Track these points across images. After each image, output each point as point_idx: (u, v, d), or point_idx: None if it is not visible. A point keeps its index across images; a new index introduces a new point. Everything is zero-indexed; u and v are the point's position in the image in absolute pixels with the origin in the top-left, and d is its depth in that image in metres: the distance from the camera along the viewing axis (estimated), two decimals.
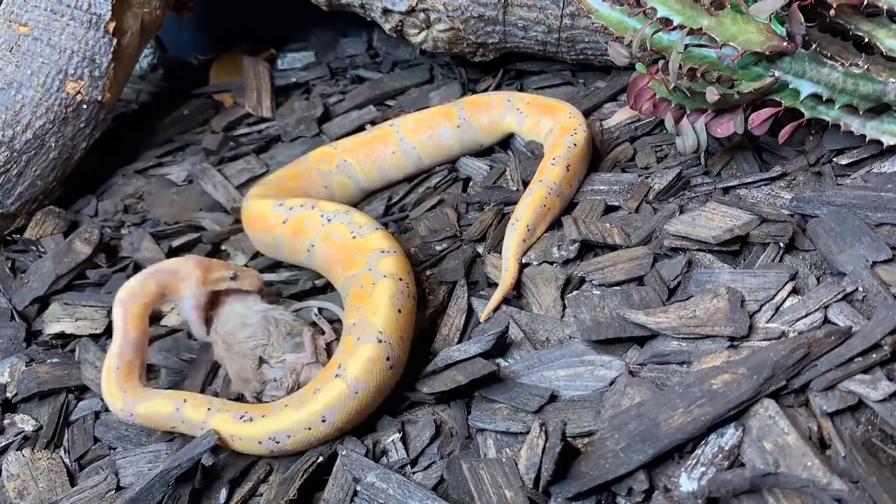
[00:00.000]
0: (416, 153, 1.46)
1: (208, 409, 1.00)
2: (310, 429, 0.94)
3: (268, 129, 1.82)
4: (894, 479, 0.73)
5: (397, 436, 0.96)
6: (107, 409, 1.13)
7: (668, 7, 1.09)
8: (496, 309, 1.08)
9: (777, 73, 1.09)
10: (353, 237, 1.17)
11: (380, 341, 0.98)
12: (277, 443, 0.95)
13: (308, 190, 1.40)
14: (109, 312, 1.30)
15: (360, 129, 1.71)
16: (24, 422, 1.13)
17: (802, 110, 1.11)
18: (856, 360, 0.83)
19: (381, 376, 0.97)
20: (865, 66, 1.04)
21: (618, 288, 1.03)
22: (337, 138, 1.67)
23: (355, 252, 1.14)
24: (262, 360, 1.07)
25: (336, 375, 0.96)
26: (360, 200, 1.48)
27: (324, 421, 0.94)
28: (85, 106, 1.60)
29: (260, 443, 0.95)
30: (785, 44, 1.05)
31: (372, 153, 1.46)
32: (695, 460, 0.78)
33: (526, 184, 1.29)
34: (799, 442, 0.76)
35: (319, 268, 1.26)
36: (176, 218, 1.57)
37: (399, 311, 1.03)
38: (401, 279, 1.07)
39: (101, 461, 1.06)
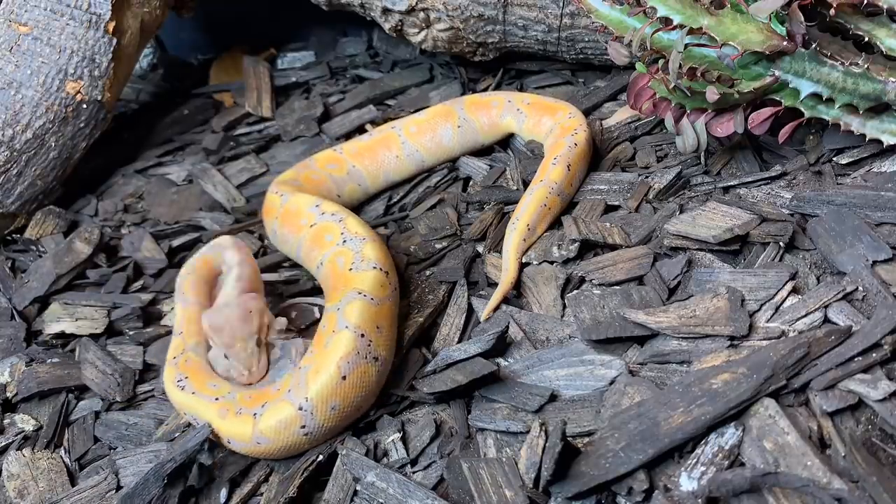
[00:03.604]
0: (420, 156, 1.46)
1: (181, 352, 1.06)
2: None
3: (268, 128, 1.82)
4: (894, 478, 0.73)
5: (397, 435, 0.95)
6: (107, 410, 1.13)
7: (668, 6, 1.09)
8: (496, 308, 1.08)
9: (777, 73, 1.09)
10: (350, 269, 1.08)
11: (300, 408, 0.92)
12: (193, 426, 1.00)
13: (323, 196, 1.35)
14: (110, 312, 1.30)
15: (360, 128, 1.71)
16: (24, 422, 1.13)
17: (802, 109, 1.11)
18: (856, 359, 0.83)
19: (291, 440, 0.93)
20: (865, 66, 1.04)
21: (618, 287, 1.03)
22: (337, 138, 1.67)
23: (343, 284, 1.06)
24: None
25: (254, 413, 0.94)
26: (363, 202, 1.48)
27: (229, 443, 0.96)
28: (85, 106, 1.60)
29: (185, 413, 1.02)
30: (785, 43, 1.05)
31: (377, 158, 1.45)
32: (695, 460, 0.78)
33: (526, 183, 1.29)
34: (799, 441, 0.76)
35: (323, 288, 1.20)
36: (176, 218, 1.57)
37: (344, 377, 0.93)
38: (363, 335, 0.97)
39: (101, 461, 1.06)
